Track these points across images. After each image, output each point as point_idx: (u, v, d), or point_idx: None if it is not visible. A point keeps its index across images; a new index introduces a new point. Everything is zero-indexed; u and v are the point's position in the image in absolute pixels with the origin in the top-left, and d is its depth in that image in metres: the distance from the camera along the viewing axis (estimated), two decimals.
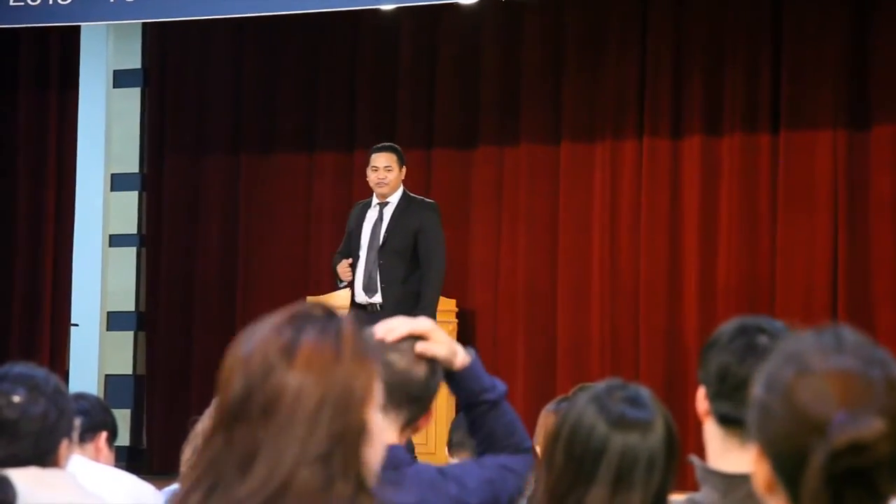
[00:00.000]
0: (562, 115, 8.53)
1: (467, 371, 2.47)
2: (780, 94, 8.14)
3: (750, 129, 8.17)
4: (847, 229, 7.97)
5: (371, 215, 7.03)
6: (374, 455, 1.56)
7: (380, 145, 7.14)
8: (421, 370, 2.38)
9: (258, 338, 1.55)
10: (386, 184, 6.94)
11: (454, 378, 2.47)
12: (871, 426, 1.35)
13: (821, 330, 1.45)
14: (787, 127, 8.11)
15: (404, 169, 7.03)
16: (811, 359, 1.41)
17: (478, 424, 2.50)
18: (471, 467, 2.50)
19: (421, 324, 2.42)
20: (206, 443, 1.52)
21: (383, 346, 2.38)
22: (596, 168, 8.44)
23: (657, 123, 8.32)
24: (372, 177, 6.99)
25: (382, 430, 2.36)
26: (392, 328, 2.40)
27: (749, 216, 8.13)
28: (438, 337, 2.42)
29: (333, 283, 7.33)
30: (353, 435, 1.54)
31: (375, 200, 7.04)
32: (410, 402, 2.38)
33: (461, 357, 2.46)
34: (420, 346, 2.40)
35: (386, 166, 6.96)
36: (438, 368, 2.41)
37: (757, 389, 1.45)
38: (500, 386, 2.52)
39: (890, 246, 7.91)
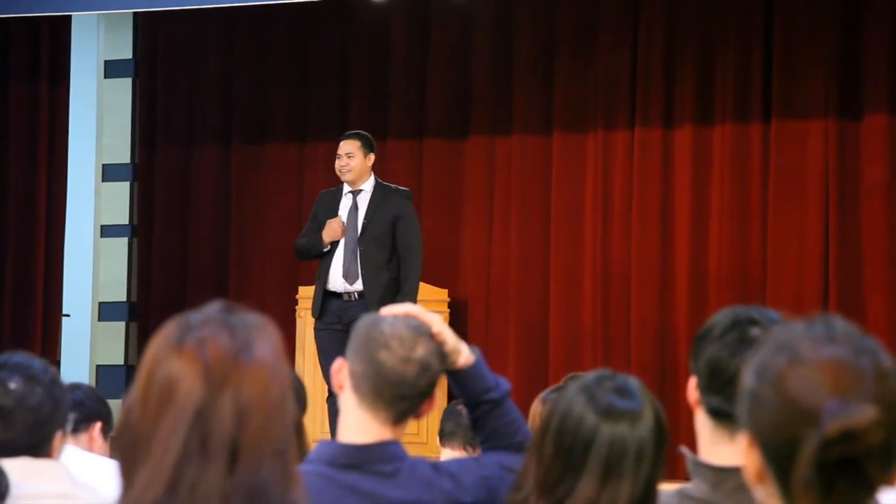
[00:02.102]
0: (553, 105, 8.53)
1: (470, 371, 2.47)
2: (771, 85, 8.14)
3: (741, 119, 8.18)
4: (838, 219, 7.99)
5: (345, 203, 7.06)
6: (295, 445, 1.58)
7: (346, 133, 7.22)
8: (410, 369, 2.36)
9: (210, 345, 1.53)
10: (349, 170, 7.00)
11: (457, 376, 2.47)
12: (864, 414, 1.36)
13: (811, 320, 1.46)
14: (778, 117, 8.12)
15: (371, 155, 7.07)
16: (802, 348, 1.42)
17: (480, 422, 2.50)
18: (468, 464, 2.49)
19: (432, 316, 2.43)
20: (169, 442, 1.49)
21: (380, 335, 2.38)
22: (588, 158, 8.44)
23: (649, 113, 8.33)
24: (336, 164, 7.07)
25: (368, 424, 2.38)
26: (400, 308, 2.41)
27: (740, 206, 8.14)
28: (444, 331, 2.44)
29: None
30: (293, 428, 1.55)
31: (347, 188, 7.08)
32: (400, 399, 2.37)
33: (465, 356, 2.46)
34: (436, 328, 2.40)
35: (348, 153, 7.02)
36: (432, 365, 2.40)
37: (747, 378, 1.45)
38: (504, 385, 2.51)
39: (881, 236, 7.92)
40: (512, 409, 2.50)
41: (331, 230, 6.98)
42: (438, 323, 2.42)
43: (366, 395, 2.36)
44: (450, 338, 2.43)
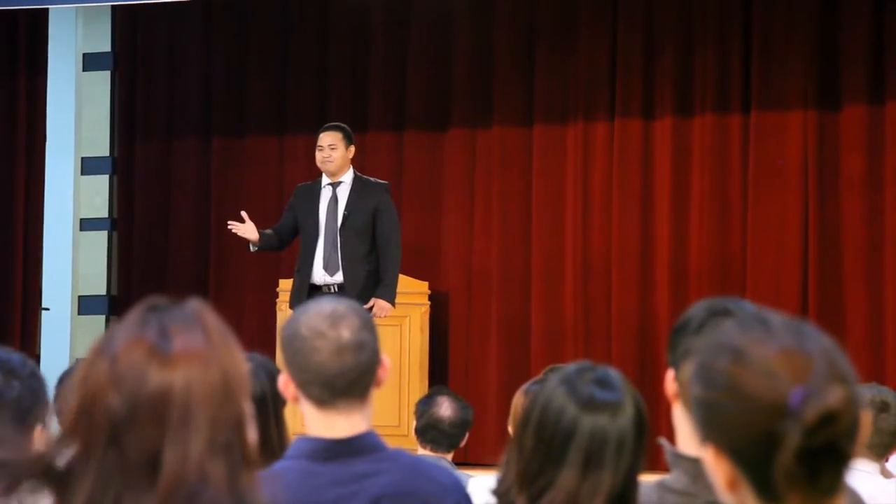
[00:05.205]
0: (534, 97, 8.53)
1: None
2: (750, 75, 8.16)
3: (721, 110, 8.20)
4: (817, 210, 8.01)
5: (325, 195, 7.08)
6: (253, 439, 1.51)
7: (326, 125, 7.26)
8: (348, 356, 2.32)
9: (121, 345, 1.48)
10: (331, 161, 7.04)
11: None
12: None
13: (740, 317, 1.44)
14: (757, 108, 8.14)
15: (352, 148, 7.11)
16: (744, 346, 1.39)
17: None
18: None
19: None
20: (85, 459, 1.45)
21: (303, 342, 2.33)
22: (568, 150, 8.45)
23: (629, 104, 8.34)
24: (318, 156, 7.12)
25: (336, 420, 2.37)
26: None
27: (720, 197, 8.16)
28: None
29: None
30: (243, 421, 1.49)
31: (326, 181, 7.10)
32: (353, 384, 2.34)
33: None
34: None
35: (330, 145, 7.06)
36: (364, 340, 2.33)
37: (694, 389, 1.42)
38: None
39: (860, 226, 7.96)
40: None
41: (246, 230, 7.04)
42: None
43: (321, 397, 2.34)
44: None
